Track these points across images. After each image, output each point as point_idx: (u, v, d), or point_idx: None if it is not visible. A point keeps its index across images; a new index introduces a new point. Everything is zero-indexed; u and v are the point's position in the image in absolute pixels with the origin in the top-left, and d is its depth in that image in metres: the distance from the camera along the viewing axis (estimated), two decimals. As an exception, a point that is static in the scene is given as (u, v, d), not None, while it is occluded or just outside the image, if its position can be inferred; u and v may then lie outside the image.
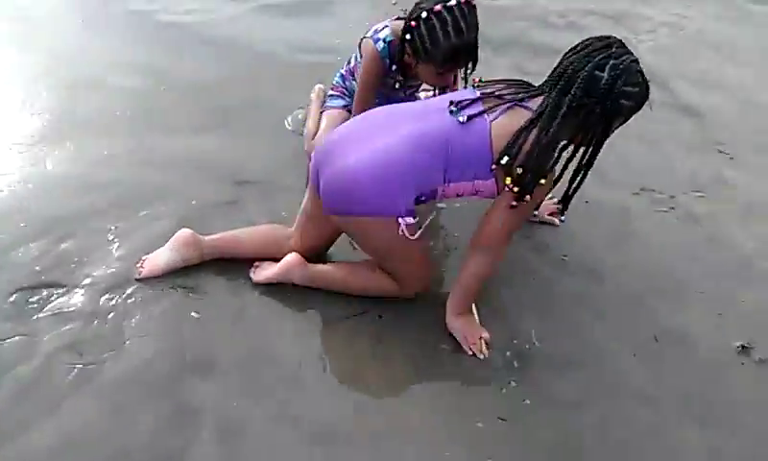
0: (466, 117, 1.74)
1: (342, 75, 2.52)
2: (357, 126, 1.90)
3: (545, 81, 1.77)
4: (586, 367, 1.87)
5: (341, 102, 2.50)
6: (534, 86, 1.81)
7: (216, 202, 2.27)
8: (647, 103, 1.75)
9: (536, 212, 2.24)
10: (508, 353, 1.88)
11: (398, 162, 1.75)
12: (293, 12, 3.48)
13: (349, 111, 2.41)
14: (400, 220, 1.77)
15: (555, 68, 1.75)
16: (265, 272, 1.99)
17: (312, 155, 1.96)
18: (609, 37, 1.73)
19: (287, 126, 2.66)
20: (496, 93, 1.79)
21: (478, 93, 1.81)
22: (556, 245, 2.23)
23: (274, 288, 1.98)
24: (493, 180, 1.77)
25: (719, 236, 2.32)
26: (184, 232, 2.01)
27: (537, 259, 2.18)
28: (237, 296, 1.97)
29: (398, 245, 1.82)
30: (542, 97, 1.74)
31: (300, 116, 2.67)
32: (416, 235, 1.80)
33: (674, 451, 1.69)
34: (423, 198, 1.83)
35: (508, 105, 1.76)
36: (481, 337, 1.88)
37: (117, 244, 2.08)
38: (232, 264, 2.03)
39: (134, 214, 2.19)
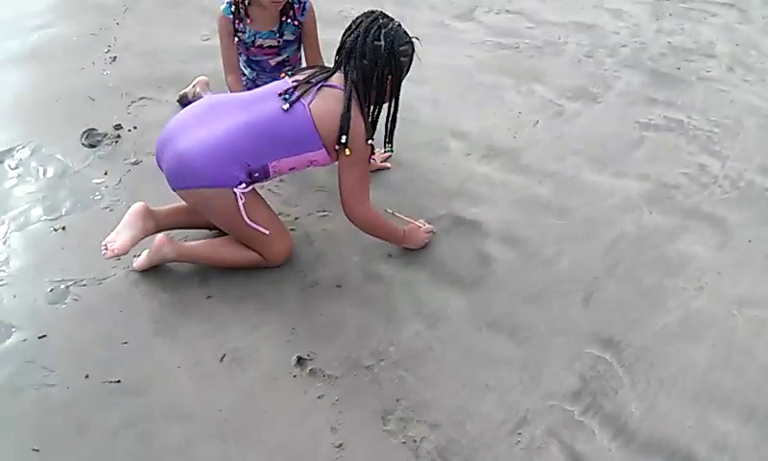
0: (288, 105, 2.05)
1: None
2: (191, 114, 2.12)
3: (337, 61, 2.14)
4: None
5: None
6: (328, 68, 2.18)
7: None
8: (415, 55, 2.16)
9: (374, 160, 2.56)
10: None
11: (224, 145, 2.02)
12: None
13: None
14: (236, 190, 2.02)
15: (339, 49, 2.12)
16: (140, 259, 2.17)
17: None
18: (372, 11, 2.11)
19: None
20: (305, 80, 2.12)
21: (290, 82, 2.13)
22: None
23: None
24: (324, 150, 2.09)
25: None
26: (138, 207, 2.16)
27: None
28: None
29: (241, 218, 2.06)
30: (339, 74, 2.11)
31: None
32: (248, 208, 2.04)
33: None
34: (257, 174, 2.09)
35: (317, 87, 2.09)
36: (426, 232, 2.31)
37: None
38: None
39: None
